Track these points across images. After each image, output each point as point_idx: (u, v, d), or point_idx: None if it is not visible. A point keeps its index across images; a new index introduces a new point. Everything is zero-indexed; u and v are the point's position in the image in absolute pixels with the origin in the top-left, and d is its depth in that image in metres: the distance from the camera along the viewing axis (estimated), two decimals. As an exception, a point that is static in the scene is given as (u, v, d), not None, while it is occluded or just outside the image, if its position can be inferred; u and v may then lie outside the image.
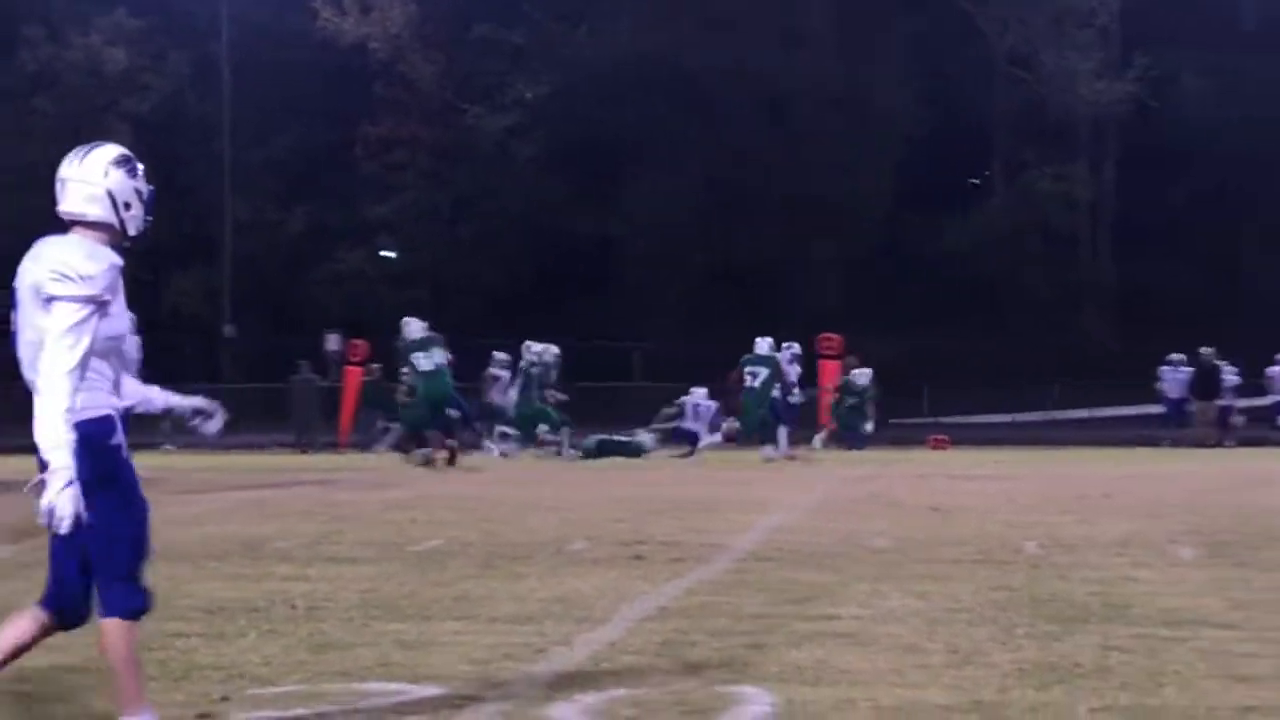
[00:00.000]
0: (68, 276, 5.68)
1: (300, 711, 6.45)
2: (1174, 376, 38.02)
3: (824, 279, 53.45)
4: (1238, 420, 38.40)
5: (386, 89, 55.99)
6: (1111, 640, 8.22)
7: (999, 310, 54.82)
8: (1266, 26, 55.39)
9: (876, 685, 7.08)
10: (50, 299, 5.69)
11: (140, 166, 6.06)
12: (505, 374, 32.28)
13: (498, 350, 33.20)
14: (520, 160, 55.31)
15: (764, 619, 8.92)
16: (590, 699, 6.89)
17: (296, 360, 38.50)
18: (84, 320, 5.66)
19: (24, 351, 5.80)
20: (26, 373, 5.78)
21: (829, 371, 36.84)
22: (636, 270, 56.16)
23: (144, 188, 6.02)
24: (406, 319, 26.89)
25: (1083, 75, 56.15)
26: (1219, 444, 35.75)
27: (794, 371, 32.06)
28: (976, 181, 60.05)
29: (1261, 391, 39.13)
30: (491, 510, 16.46)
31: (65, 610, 5.91)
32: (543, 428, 30.76)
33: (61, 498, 5.49)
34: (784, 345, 30.87)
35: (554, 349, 31.28)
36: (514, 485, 21.35)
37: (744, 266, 53.70)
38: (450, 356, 27.00)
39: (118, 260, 5.85)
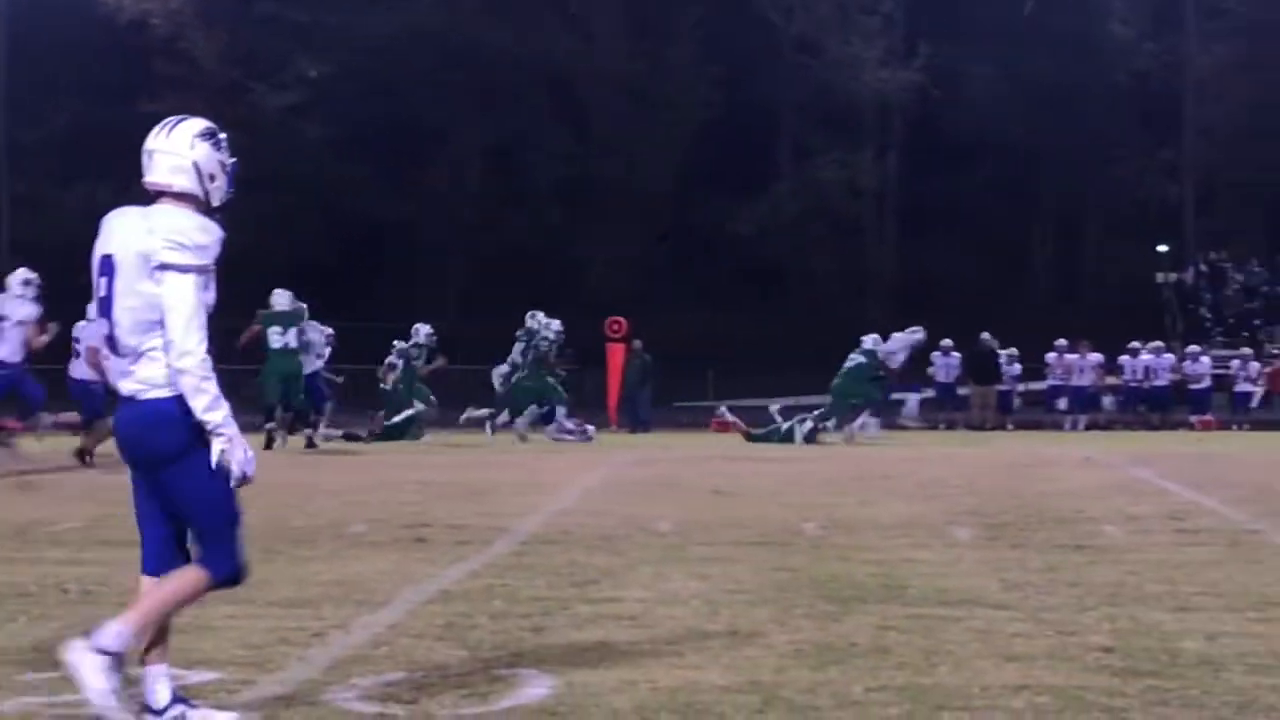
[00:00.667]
0: (184, 245, 5.91)
1: (71, 697, 6.30)
2: (944, 362, 38.69)
3: (611, 262, 53.62)
4: (1017, 404, 39.25)
5: (167, 66, 54.98)
6: (889, 620, 8.32)
7: (786, 295, 55.38)
8: (1047, 16, 56.51)
9: (656, 667, 7.10)
10: (163, 266, 5.89)
11: (224, 138, 6.21)
12: (401, 362, 31.31)
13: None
14: (307, 139, 54.68)
15: (546, 601, 8.91)
16: (367, 682, 6.83)
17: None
18: (198, 290, 5.91)
19: (121, 316, 5.96)
20: (125, 337, 5.96)
21: (615, 355, 37.00)
22: (425, 251, 55.85)
23: (228, 160, 6.20)
24: (276, 290, 26.17)
25: (867, 63, 56.87)
26: (998, 427, 36.47)
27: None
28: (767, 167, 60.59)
29: (1041, 376, 39.98)
30: (276, 494, 16.24)
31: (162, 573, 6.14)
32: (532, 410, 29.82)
33: (229, 453, 5.85)
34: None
35: (557, 323, 30.28)
36: (302, 469, 21.11)
37: (532, 249, 53.63)
38: (326, 334, 26.60)
39: (221, 232, 6.07)
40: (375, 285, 52.66)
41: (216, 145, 6.15)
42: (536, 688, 6.73)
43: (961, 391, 38.86)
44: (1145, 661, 7.25)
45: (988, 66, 56.13)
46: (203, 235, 5.96)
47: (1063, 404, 38.80)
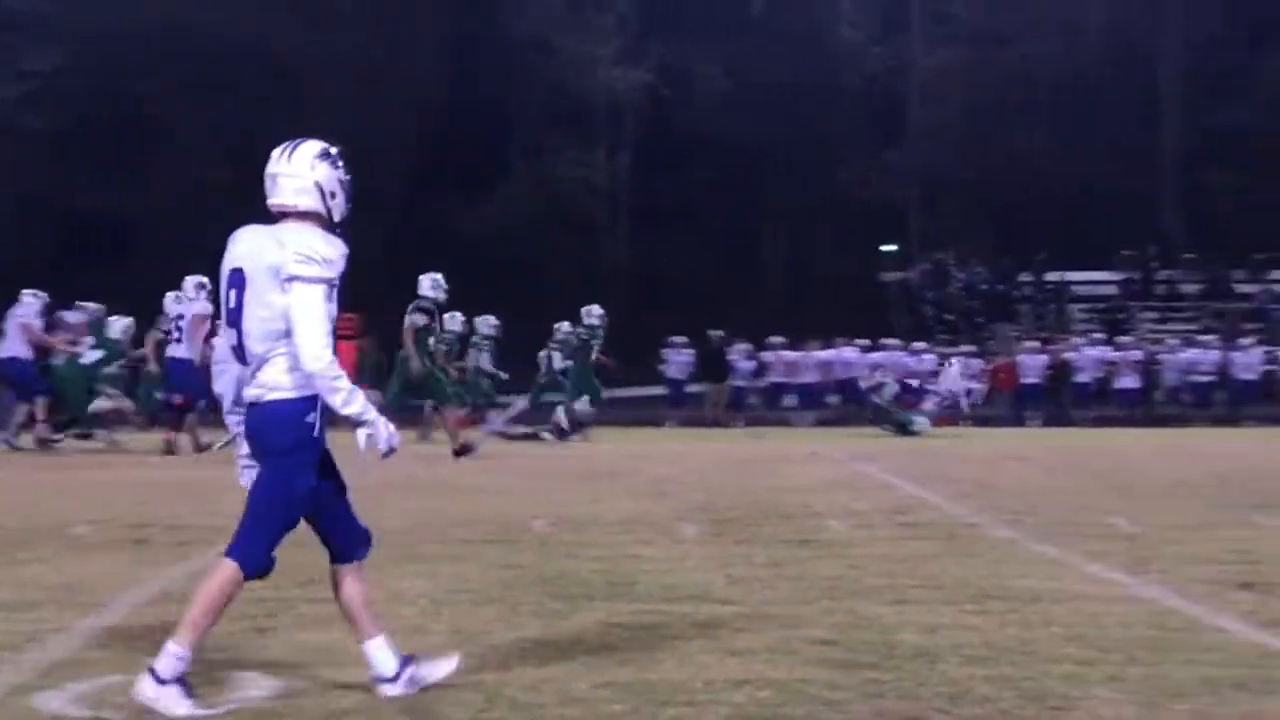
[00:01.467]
0: (313, 259, 6.42)
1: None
2: (676, 358, 39.09)
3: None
4: (750, 401, 39.73)
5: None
6: (615, 617, 8.37)
7: (523, 293, 55.35)
8: (776, 18, 57.31)
9: (380, 667, 7.05)
10: (292, 279, 6.39)
11: (339, 156, 6.68)
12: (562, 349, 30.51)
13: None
14: (30, 133, 53.34)
15: (270, 602, 8.79)
16: (83, 687, 6.71)
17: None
18: (325, 300, 6.43)
19: (250, 325, 6.46)
20: (253, 345, 6.45)
21: (345, 353, 36.67)
22: (158, 246, 54.79)
23: (344, 177, 6.68)
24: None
25: (601, 62, 57.13)
26: (729, 424, 36.88)
27: None
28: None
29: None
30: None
31: (361, 551, 6.86)
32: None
33: (374, 435, 6.50)
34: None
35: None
36: (29, 469, 20.59)
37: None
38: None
39: (345, 248, 6.56)
40: (113, 280, 51.55)
41: (334, 164, 6.64)
42: (258, 689, 6.68)
43: (694, 389, 39.25)
44: (864, 654, 7.39)
45: (716, 66, 56.74)
46: (330, 250, 6.49)
47: (791, 400, 39.39)
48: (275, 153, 6.65)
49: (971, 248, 52.81)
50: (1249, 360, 40.75)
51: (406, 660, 6.66)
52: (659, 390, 40.01)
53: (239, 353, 6.57)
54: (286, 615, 8.45)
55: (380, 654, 6.63)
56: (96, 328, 26.42)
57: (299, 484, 6.49)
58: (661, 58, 56.41)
